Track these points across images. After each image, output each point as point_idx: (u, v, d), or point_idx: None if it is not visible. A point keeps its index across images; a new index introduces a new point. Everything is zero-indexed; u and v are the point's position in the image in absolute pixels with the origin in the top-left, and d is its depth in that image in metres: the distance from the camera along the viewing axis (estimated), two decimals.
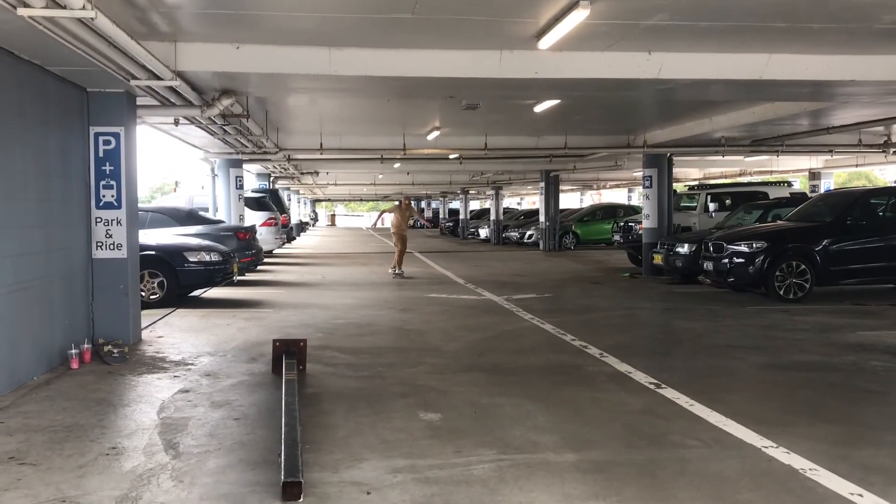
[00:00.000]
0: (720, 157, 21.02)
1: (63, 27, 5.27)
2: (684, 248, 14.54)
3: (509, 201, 54.32)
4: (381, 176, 30.77)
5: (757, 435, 4.99)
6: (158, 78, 7.15)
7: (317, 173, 27.75)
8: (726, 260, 12.58)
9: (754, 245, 12.29)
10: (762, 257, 12.07)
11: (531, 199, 52.65)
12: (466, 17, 6.44)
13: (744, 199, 18.36)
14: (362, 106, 12.97)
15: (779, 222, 14.15)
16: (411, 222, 19.19)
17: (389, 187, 39.96)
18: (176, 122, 10.45)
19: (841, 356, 7.75)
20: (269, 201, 21.10)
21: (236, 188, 17.29)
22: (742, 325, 9.81)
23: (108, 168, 7.95)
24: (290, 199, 36.15)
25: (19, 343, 6.31)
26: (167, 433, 5.04)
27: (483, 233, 35.81)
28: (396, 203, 17.52)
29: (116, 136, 7.93)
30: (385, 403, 5.83)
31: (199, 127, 11.33)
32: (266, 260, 21.20)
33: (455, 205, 55.97)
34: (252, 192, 21.86)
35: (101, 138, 7.91)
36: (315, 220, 58.07)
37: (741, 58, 8.01)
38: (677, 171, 20.26)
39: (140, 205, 9.55)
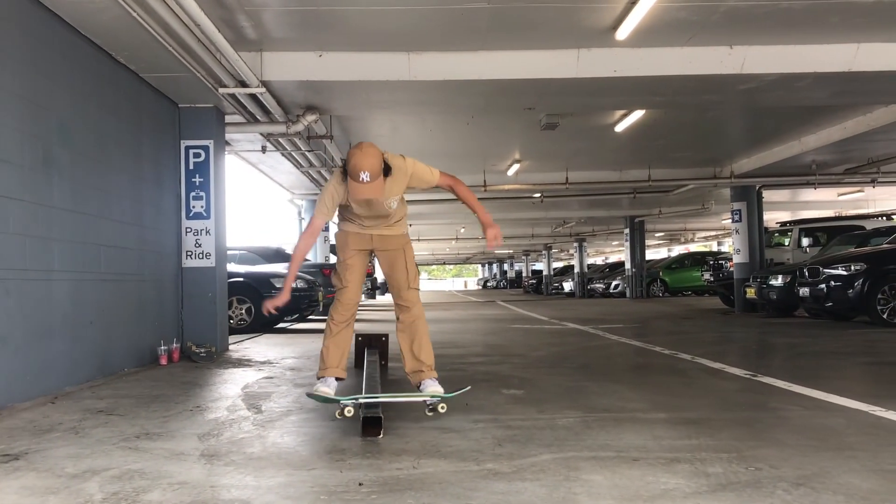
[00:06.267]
0: (812, 193, 20.30)
1: (156, 16, 5.56)
2: (778, 280, 14.00)
3: (593, 259, 53.80)
4: (462, 230, 30.94)
5: (864, 404, 4.63)
6: (245, 85, 7.44)
7: None
8: (823, 285, 12.02)
9: (853, 267, 11.71)
10: (861, 280, 11.50)
11: (616, 257, 51.99)
12: (542, 2, 6.46)
13: (839, 234, 17.59)
14: (443, 135, 13.13)
15: (880, 245, 13.48)
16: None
17: (471, 244, 40.11)
18: (263, 150, 10.83)
19: None
20: None
21: (322, 230, 17.65)
22: (843, 340, 9.25)
23: (197, 180, 8.24)
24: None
25: (110, 332, 6.46)
26: (250, 399, 5.06)
27: (567, 286, 35.36)
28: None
29: (206, 148, 8.25)
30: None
31: (284, 155, 11.68)
32: None
33: (538, 266, 55.78)
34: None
35: (191, 151, 8.24)
36: None
37: (827, 49, 7.79)
38: (767, 218, 19.79)
39: (230, 244, 9.83)
